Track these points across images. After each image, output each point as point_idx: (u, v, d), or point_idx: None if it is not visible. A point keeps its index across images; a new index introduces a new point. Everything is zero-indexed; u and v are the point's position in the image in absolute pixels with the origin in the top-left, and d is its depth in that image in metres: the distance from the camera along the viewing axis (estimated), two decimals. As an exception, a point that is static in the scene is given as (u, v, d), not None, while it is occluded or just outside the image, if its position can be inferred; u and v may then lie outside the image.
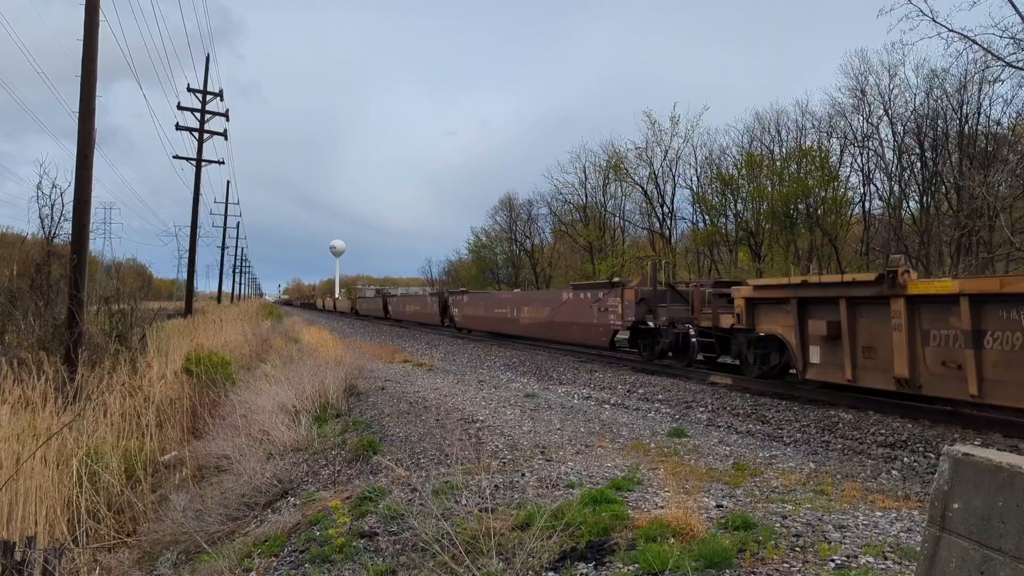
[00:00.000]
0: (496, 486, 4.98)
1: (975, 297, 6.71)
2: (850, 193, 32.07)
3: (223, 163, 36.60)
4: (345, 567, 4.07)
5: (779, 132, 34.62)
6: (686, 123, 38.71)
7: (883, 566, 3.20)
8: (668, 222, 40.68)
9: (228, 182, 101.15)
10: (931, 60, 41.29)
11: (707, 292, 11.87)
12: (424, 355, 18.37)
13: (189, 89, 28.80)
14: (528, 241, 54.95)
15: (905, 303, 7.44)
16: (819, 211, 31.12)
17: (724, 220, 37.03)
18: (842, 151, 31.60)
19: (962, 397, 6.99)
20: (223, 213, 52.71)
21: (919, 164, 28.17)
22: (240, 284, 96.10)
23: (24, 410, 6.88)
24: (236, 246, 74.49)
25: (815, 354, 8.91)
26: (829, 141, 31.89)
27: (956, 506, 1.87)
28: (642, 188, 40.94)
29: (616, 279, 15.74)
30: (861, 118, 29.86)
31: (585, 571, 3.38)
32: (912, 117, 27.70)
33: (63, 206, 17.64)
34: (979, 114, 25.87)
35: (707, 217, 37.94)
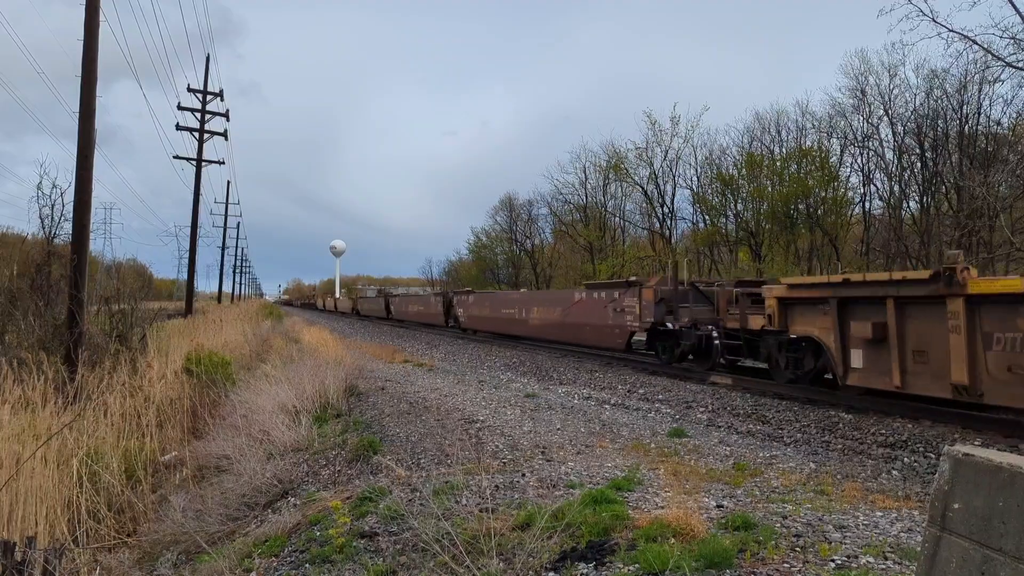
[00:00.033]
0: (496, 486, 4.98)
1: None
2: (850, 193, 32.12)
3: (223, 163, 36.60)
4: (345, 567, 4.07)
5: (779, 132, 34.68)
6: (686, 123, 38.89)
7: (883, 566, 3.20)
8: (668, 222, 40.74)
9: (228, 182, 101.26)
10: (931, 60, 41.32)
11: (735, 292, 11.24)
12: (424, 355, 18.37)
13: (189, 89, 28.82)
14: (528, 241, 55.00)
15: (964, 303, 6.85)
16: (819, 211, 31.14)
17: (724, 220, 37.07)
18: (842, 151, 31.65)
19: None
20: (223, 213, 52.77)
21: (919, 164, 28.19)
22: (240, 284, 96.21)
23: (24, 410, 6.88)
24: (236, 246, 74.60)
25: (857, 358, 8.28)
26: (829, 141, 31.94)
27: (956, 506, 1.87)
28: (642, 188, 40.99)
29: (633, 278, 14.89)
30: (861, 118, 29.91)
31: (585, 571, 3.38)
32: (912, 117, 27.73)
33: (63, 206, 17.69)
34: (979, 114, 25.91)
35: (707, 217, 37.98)
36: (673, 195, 40.37)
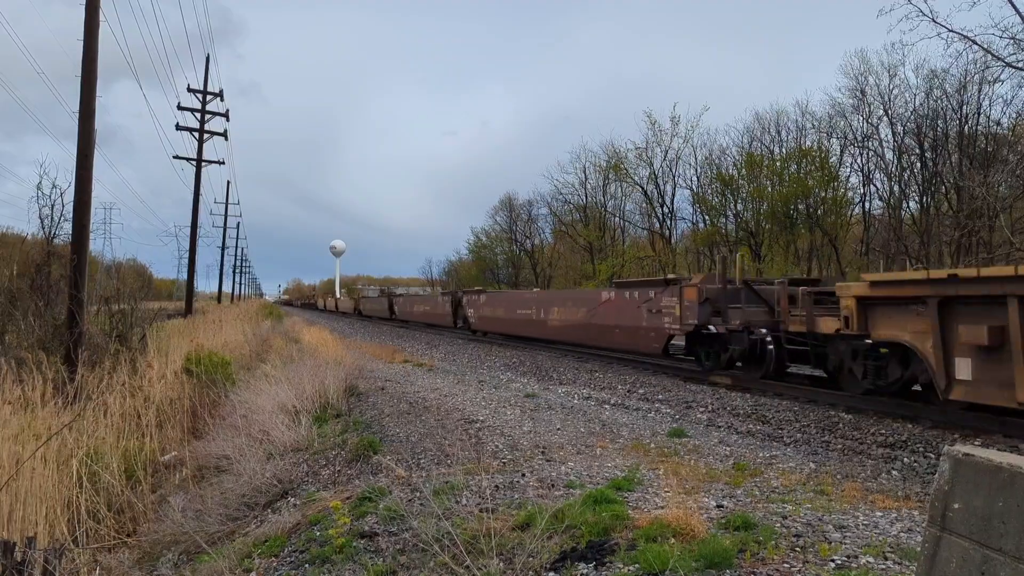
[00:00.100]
0: (496, 486, 4.98)
1: None
2: (850, 193, 32.15)
3: (223, 163, 36.59)
4: (345, 567, 4.07)
5: (779, 132, 34.71)
6: (686, 123, 38.82)
7: (883, 566, 3.20)
8: (668, 222, 40.77)
9: (228, 182, 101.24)
10: (931, 60, 41.36)
11: (800, 291, 10.06)
12: (424, 355, 18.37)
13: (189, 89, 28.83)
14: (528, 241, 55.05)
15: None
16: (819, 211, 31.16)
17: (724, 220, 37.09)
18: (842, 151, 31.67)
19: None
20: (223, 213, 52.78)
21: (919, 164, 28.20)
22: (240, 284, 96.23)
23: (24, 410, 6.88)
24: (236, 246, 74.60)
25: (964, 368, 7.03)
26: (829, 141, 31.96)
27: (956, 506, 1.88)
28: (642, 188, 41.01)
29: (672, 276, 13.65)
30: (861, 118, 29.92)
31: (585, 571, 3.38)
32: (912, 117, 27.74)
33: (63, 206, 17.70)
34: (979, 114, 25.92)
35: (707, 217, 38.00)
36: (673, 195, 40.45)
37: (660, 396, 10.47)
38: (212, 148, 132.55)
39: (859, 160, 31.28)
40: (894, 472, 6.10)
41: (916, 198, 28.80)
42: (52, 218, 17.64)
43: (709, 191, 37.95)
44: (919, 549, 2.17)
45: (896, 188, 29.57)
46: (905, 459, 6.52)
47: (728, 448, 6.72)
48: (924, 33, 59.56)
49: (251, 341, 19.85)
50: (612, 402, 9.99)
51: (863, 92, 29.26)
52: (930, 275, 7.35)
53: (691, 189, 39.24)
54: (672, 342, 13.30)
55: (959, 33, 20.51)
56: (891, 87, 28.36)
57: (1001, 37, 20.16)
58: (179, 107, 28.69)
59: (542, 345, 19.82)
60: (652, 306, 13.12)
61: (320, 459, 7.15)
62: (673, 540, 3.53)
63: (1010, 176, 22.05)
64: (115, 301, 14.00)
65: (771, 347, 10.36)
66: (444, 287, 70.40)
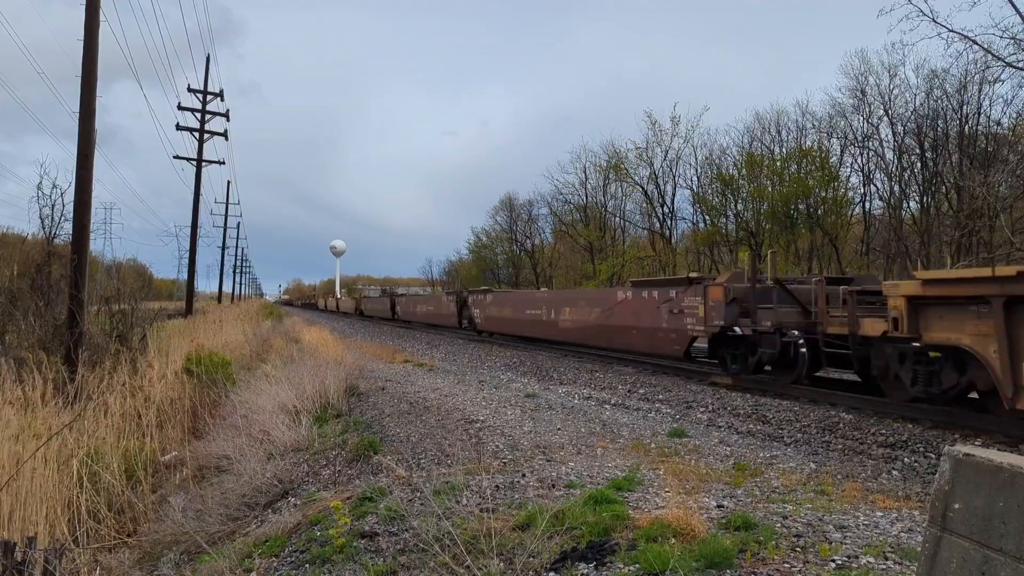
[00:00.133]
0: (497, 486, 4.98)
1: None
2: (850, 193, 32.15)
3: (223, 163, 36.57)
4: (346, 567, 4.08)
5: (779, 132, 34.69)
6: (686, 123, 38.90)
7: (884, 566, 3.20)
8: (668, 222, 40.75)
9: (228, 182, 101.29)
10: (931, 60, 41.32)
11: (841, 290, 9.48)
12: (424, 355, 18.38)
13: (189, 89, 28.84)
14: (528, 241, 55.04)
15: None
16: (819, 211, 31.15)
17: (724, 220, 37.08)
18: (842, 151, 31.67)
19: None
20: (223, 213, 52.79)
21: (919, 164, 28.20)
22: (240, 284, 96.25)
23: (25, 410, 6.88)
24: (236, 246, 74.62)
25: None
26: (829, 141, 31.96)
27: (957, 506, 1.87)
28: (642, 188, 41.00)
29: (694, 274, 12.99)
30: (861, 118, 29.92)
31: (586, 571, 3.38)
32: (912, 117, 27.74)
33: (63, 206, 17.68)
34: (979, 114, 25.92)
35: (707, 217, 37.99)
36: (673, 195, 40.43)
37: (660, 396, 10.47)
38: (212, 148, 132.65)
39: (859, 160, 31.31)
40: (895, 472, 6.10)
41: (916, 198, 28.81)
42: (52, 218, 17.64)
43: (709, 191, 37.96)
44: (919, 549, 2.17)
45: (896, 188, 29.58)
46: (906, 459, 6.52)
47: (728, 448, 6.72)
48: (924, 33, 59.72)
49: (251, 341, 19.86)
50: (612, 402, 9.99)
51: (863, 92, 29.28)
52: (996, 272, 6.74)
53: (691, 189, 39.27)
54: (695, 344, 12.46)
55: (959, 33, 20.52)
56: (891, 87, 28.39)
57: (1001, 37, 20.18)
58: (179, 107, 28.71)
59: (543, 345, 19.79)
60: (673, 306, 12.46)
61: (320, 459, 7.15)
62: (673, 540, 3.53)
63: (1010, 176, 22.05)
64: (115, 301, 14.01)
65: (803, 350, 9.68)
66: (444, 287, 70.41)
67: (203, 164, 29.29)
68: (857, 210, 32.47)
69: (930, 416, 7.91)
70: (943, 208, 26.92)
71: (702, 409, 9.36)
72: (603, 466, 5.61)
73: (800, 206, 31.83)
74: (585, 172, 45.26)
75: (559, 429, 7.37)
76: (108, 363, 10.51)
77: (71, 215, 11.87)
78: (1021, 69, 20.90)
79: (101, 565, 5.46)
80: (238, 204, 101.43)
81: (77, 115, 11.20)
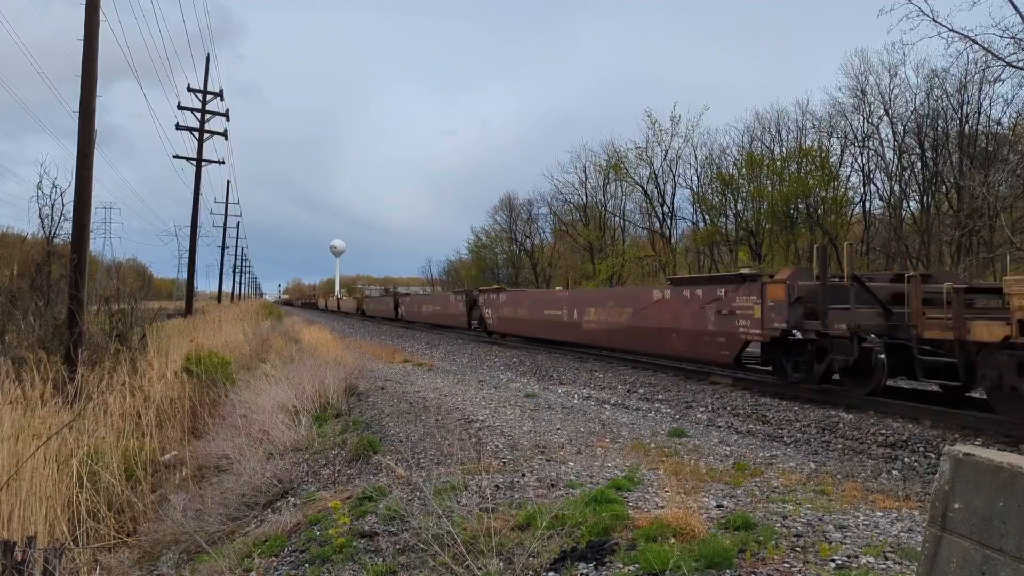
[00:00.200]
0: (496, 486, 4.98)
1: None
2: (850, 193, 32.17)
3: (223, 163, 36.69)
4: (345, 567, 4.07)
5: (779, 132, 34.72)
6: (686, 123, 38.79)
7: (884, 566, 3.20)
8: (668, 222, 40.76)
9: (228, 182, 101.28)
10: (931, 60, 41.31)
11: (947, 288, 8.16)
12: (424, 355, 18.38)
13: (189, 89, 28.86)
14: (528, 241, 55.08)
15: None
16: (819, 211, 31.17)
17: (724, 220, 37.09)
18: (842, 151, 31.69)
19: None
20: (223, 213, 52.87)
21: (919, 164, 28.22)
22: (240, 284, 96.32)
23: (24, 410, 6.88)
24: (236, 246, 74.71)
25: None
26: (829, 141, 31.99)
27: (957, 506, 1.87)
28: (642, 188, 41.01)
29: (746, 270, 11.75)
30: (861, 118, 29.95)
31: (585, 571, 3.37)
32: (912, 117, 27.76)
33: (63, 206, 17.71)
34: (979, 114, 25.95)
35: (707, 217, 38.01)
36: (673, 195, 40.44)
37: (660, 396, 10.47)
38: (212, 148, 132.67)
39: (859, 160, 31.33)
40: (894, 472, 6.10)
41: (916, 198, 28.84)
42: (52, 218, 17.67)
43: (709, 191, 37.98)
44: (919, 549, 2.17)
45: (896, 188, 29.60)
46: (905, 459, 6.52)
47: (728, 448, 6.72)
48: (924, 33, 59.57)
49: (251, 341, 19.86)
50: (612, 402, 9.99)
51: (863, 92, 29.30)
52: None
53: (691, 189, 39.29)
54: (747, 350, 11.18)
55: (959, 33, 20.55)
56: (891, 87, 28.42)
57: (1001, 37, 20.21)
58: (179, 107, 28.73)
59: (544, 346, 19.75)
60: (722, 306, 11.13)
61: (320, 459, 7.15)
62: (673, 540, 3.53)
63: (1010, 176, 22.06)
64: (115, 301, 14.01)
65: (882, 356, 8.52)
66: (444, 287, 70.38)
67: (203, 164, 29.30)
68: (857, 210, 32.52)
69: (930, 416, 7.88)
70: (943, 208, 26.93)
71: (702, 409, 9.36)
72: (603, 466, 5.61)
73: (800, 206, 31.85)
74: (585, 172, 45.34)
75: (559, 429, 7.37)
76: (108, 363, 10.52)
77: (71, 215, 11.87)
78: (1021, 69, 20.91)
79: (101, 565, 5.46)
80: (238, 204, 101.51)
81: (77, 115, 11.20)
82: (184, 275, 49.69)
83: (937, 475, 1.96)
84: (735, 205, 36.29)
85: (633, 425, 7.81)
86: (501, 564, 3.51)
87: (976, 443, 6.87)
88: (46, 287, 12.64)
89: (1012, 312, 6.87)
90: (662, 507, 4.21)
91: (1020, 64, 20.70)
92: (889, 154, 29.50)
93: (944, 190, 27.15)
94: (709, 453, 6.37)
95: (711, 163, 37.84)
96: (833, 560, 3.26)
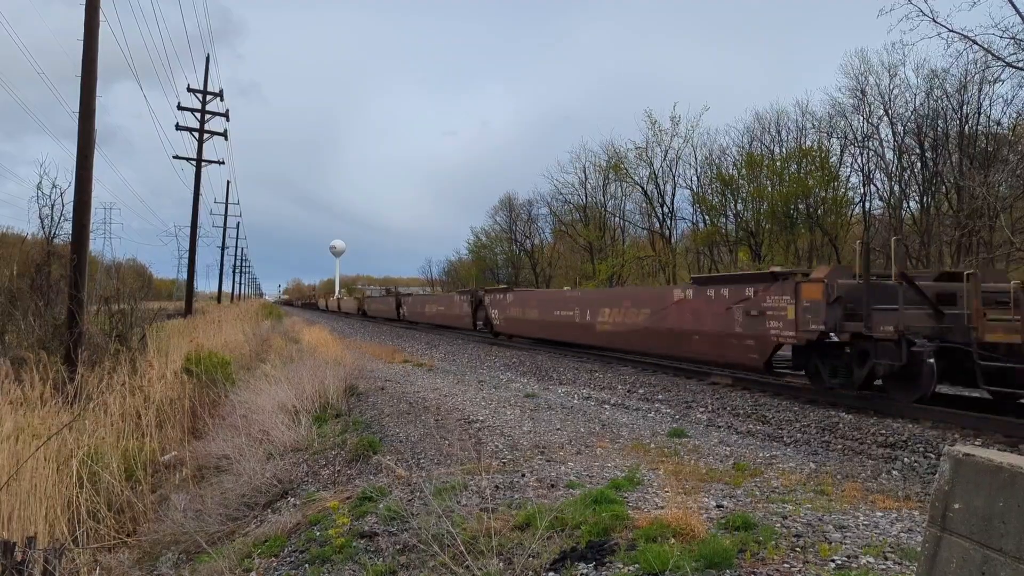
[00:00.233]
0: (496, 486, 4.98)
1: None
2: (850, 193, 32.14)
3: (223, 163, 36.67)
4: (345, 567, 4.07)
5: (779, 132, 34.66)
6: (686, 123, 38.70)
7: (883, 566, 3.20)
8: (668, 222, 40.70)
9: (228, 182, 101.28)
10: (931, 60, 41.28)
11: (1013, 287, 7.67)
12: (424, 355, 18.38)
13: (189, 89, 28.86)
14: (528, 241, 55.05)
15: None
16: (819, 211, 31.16)
17: (724, 220, 37.06)
18: (842, 151, 31.66)
19: None
20: (223, 213, 52.89)
21: (919, 164, 28.20)
22: (240, 284, 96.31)
23: (24, 410, 6.88)
24: (236, 246, 74.70)
25: None
26: (829, 141, 31.95)
27: (957, 506, 1.87)
28: (642, 188, 40.96)
29: (777, 268, 11.02)
30: (861, 118, 29.91)
31: (585, 571, 3.37)
32: (912, 117, 27.74)
33: (63, 206, 17.68)
34: (979, 114, 25.91)
35: (707, 217, 37.97)
36: (673, 195, 40.39)
37: (660, 396, 10.47)
38: (212, 148, 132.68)
39: (859, 160, 31.29)
40: (894, 472, 6.10)
41: (916, 198, 28.81)
42: (52, 218, 17.64)
43: (709, 191, 37.93)
44: (919, 549, 2.17)
45: (896, 188, 29.57)
46: (905, 459, 6.52)
47: (728, 448, 6.72)
48: (924, 33, 59.60)
49: (251, 341, 19.86)
50: (612, 402, 9.99)
51: (863, 92, 29.27)
52: None
53: (691, 189, 39.23)
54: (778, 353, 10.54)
55: (959, 33, 20.51)
56: (891, 87, 28.38)
57: (1001, 37, 20.17)
58: (179, 107, 28.73)
59: (544, 346, 19.74)
60: (751, 307, 10.50)
61: (320, 459, 7.15)
62: (673, 540, 3.53)
63: (1010, 176, 22.06)
64: (115, 301, 14.01)
65: (931, 360, 8.00)
66: (444, 287, 70.36)
67: (203, 164, 29.30)
68: (857, 210, 32.49)
69: (930, 416, 7.88)
70: (943, 208, 26.92)
71: (702, 409, 9.36)
72: (603, 466, 5.61)
73: (800, 206, 31.83)
74: (585, 172, 45.28)
75: (559, 429, 7.37)
76: (108, 363, 10.51)
77: (71, 215, 11.87)
78: (1021, 69, 20.90)
79: (101, 565, 5.46)
80: (238, 204, 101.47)
81: (77, 115, 11.20)
82: (184, 275, 49.75)
83: (937, 475, 1.96)
84: (735, 205, 36.28)
85: (633, 425, 7.81)
86: (501, 564, 3.51)
87: (976, 443, 6.87)
88: (46, 287, 12.63)
89: None
90: (662, 507, 4.21)
91: (1020, 64, 20.70)
92: (889, 154, 29.50)
93: (944, 190, 27.14)
94: (709, 453, 6.37)
95: (711, 163, 37.83)
96: (833, 560, 3.26)
